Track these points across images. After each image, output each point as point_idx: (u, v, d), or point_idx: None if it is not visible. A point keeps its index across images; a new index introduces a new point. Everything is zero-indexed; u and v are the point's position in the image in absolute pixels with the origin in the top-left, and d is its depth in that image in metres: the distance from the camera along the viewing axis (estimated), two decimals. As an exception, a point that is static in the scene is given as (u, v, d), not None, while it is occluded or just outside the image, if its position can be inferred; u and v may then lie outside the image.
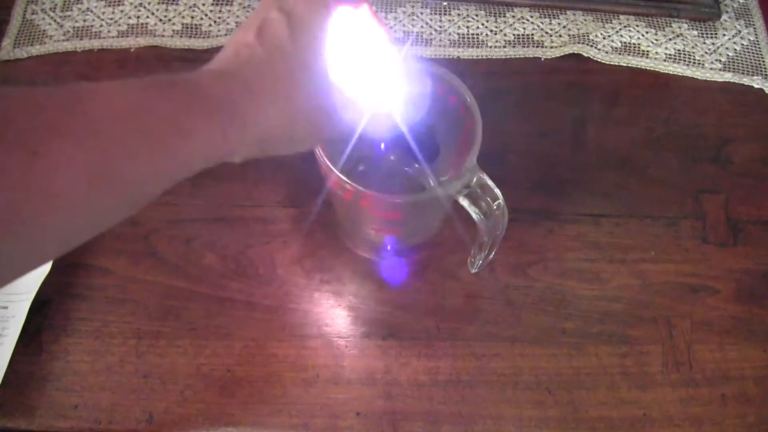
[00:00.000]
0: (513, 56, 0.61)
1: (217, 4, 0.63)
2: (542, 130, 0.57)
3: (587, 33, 0.62)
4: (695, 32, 0.63)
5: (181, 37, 0.61)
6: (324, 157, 0.39)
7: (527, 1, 0.63)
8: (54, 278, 0.48)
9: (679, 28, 0.63)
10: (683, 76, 0.61)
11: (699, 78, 0.61)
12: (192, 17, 0.62)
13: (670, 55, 0.62)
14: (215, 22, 0.61)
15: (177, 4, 0.62)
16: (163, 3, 0.62)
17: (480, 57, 0.61)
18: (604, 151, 0.57)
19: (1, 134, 0.23)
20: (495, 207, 0.40)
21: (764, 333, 0.49)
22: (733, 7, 0.64)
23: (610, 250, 0.52)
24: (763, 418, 0.46)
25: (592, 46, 0.61)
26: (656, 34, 0.63)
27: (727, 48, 0.62)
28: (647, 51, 0.62)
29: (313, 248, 0.51)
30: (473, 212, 0.40)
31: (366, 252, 0.51)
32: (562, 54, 0.61)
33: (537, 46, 0.61)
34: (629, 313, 0.50)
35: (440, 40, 0.62)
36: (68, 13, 0.62)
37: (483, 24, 0.63)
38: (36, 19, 0.61)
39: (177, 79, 0.29)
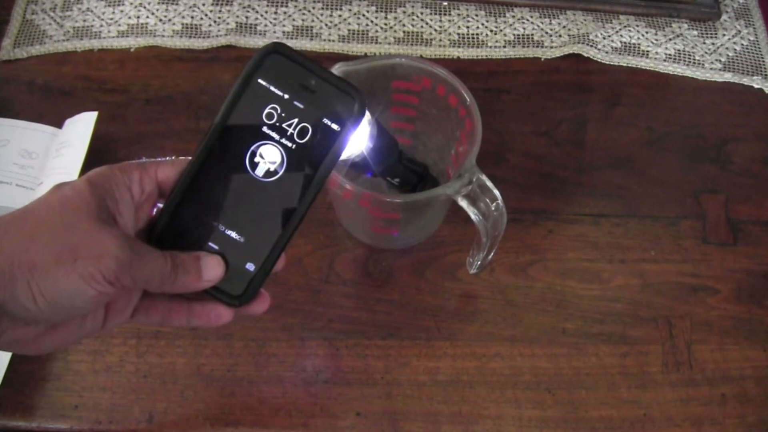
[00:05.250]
0: (513, 56, 0.61)
1: (217, 4, 0.63)
2: (542, 130, 0.57)
3: (587, 33, 0.62)
4: (695, 32, 0.63)
5: (181, 37, 0.61)
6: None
7: (527, 1, 0.63)
8: (54, 278, 0.48)
9: (679, 28, 0.63)
10: (683, 76, 0.61)
11: (699, 78, 0.61)
12: (192, 17, 0.62)
13: (670, 55, 0.62)
14: (215, 22, 0.61)
15: (177, 4, 0.62)
16: (163, 3, 0.62)
17: (480, 57, 0.61)
18: (604, 151, 0.57)
19: None
20: (494, 208, 0.40)
21: (764, 333, 0.49)
22: (733, 7, 0.64)
23: (610, 250, 0.52)
24: (763, 418, 0.46)
25: (592, 46, 0.61)
26: (656, 34, 0.63)
27: (727, 48, 0.62)
28: (647, 51, 0.62)
29: (313, 248, 0.51)
30: (472, 213, 0.40)
31: (366, 252, 0.51)
32: (562, 54, 0.61)
33: (537, 46, 0.61)
34: (629, 313, 0.50)
35: (440, 40, 0.62)
36: (68, 13, 0.62)
37: (483, 24, 0.63)
38: (36, 19, 0.61)
39: None
